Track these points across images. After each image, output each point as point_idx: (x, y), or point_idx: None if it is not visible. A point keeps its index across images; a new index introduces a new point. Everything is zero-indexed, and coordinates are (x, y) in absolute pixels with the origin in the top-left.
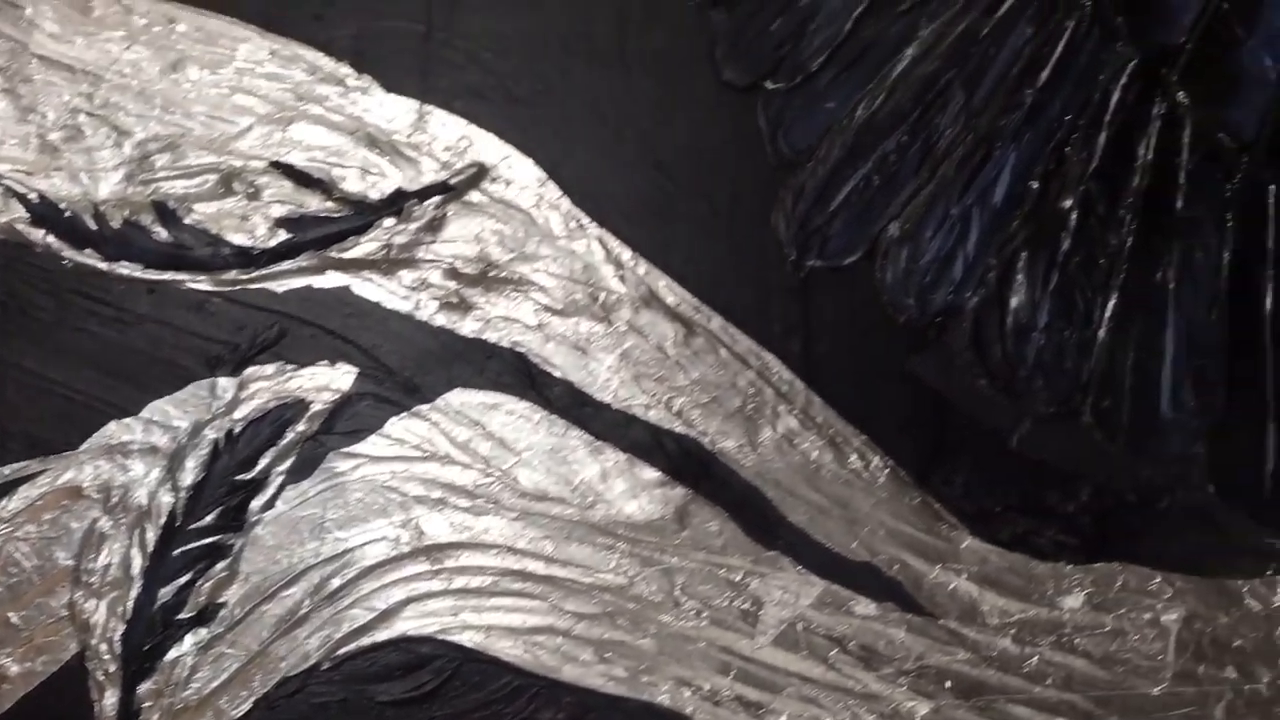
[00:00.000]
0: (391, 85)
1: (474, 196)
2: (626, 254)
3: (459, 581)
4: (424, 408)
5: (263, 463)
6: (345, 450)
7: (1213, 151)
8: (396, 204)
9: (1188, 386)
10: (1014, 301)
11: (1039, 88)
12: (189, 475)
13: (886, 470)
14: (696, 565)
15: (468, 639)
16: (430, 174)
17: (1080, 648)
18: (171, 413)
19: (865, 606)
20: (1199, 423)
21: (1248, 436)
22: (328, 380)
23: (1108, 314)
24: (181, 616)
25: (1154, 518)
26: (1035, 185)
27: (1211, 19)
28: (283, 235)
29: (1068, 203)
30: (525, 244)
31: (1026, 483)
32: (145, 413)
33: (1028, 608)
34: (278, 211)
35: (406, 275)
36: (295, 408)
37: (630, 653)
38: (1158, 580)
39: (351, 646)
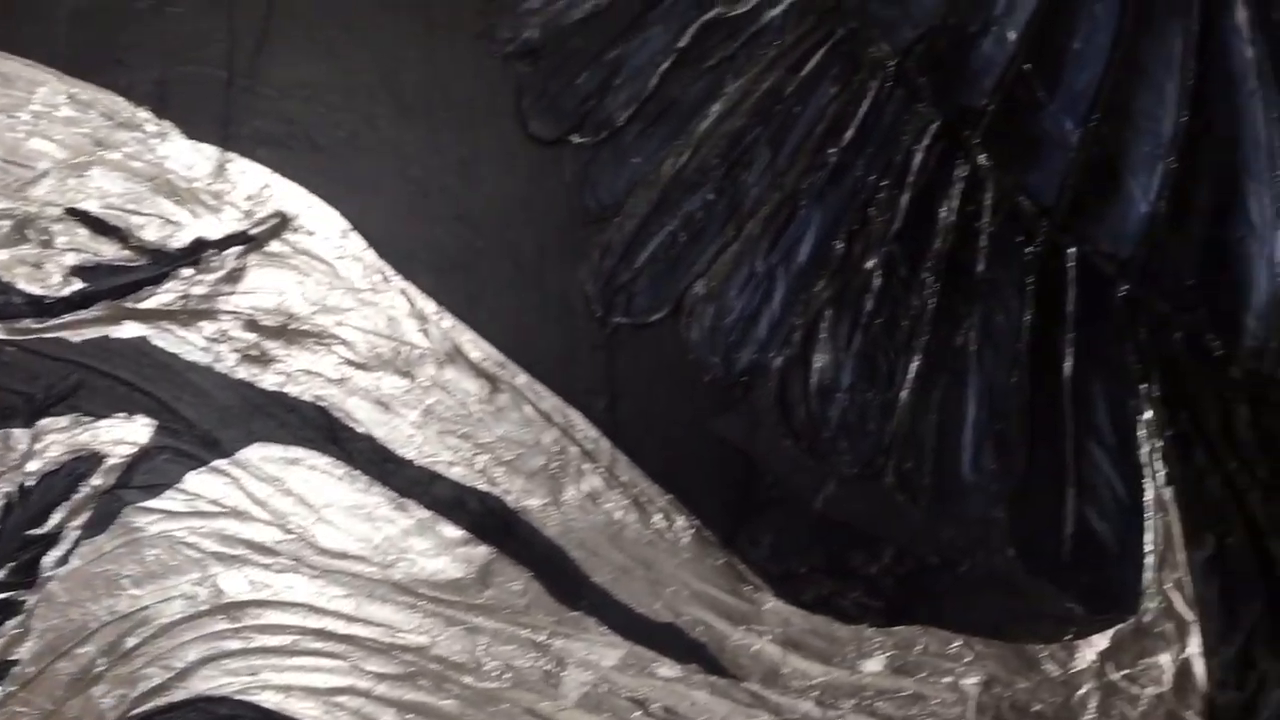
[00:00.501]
0: (192, 132)
1: (275, 247)
2: (431, 308)
3: (258, 640)
4: (223, 462)
5: (56, 517)
6: (142, 505)
7: (1014, 214)
8: (195, 254)
9: (988, 449)
10: (818, 362)
11: (843, 147)
12: None
13: (691, 530)
14: (500, 625)
15: (267, 699)
16: (231, 223)
17: (881, 711)
18: None
19: (668, 668)
20: (999, 486)
21: (1047, 500)
22: (125, 433)
23: (910, 375)
24: None
25: (955, 581)
26: (840, 245)
27: (1013, 81)
28: (77, 284)
29: (871, 263)
30: (328, 296)
31: (831, 544)
32: None
33: (830, 670)
34: (72, 260)
35: (206, 326)
36: (90, 461)
37: (433, 714)
38: (958, 644)
39: (148, 706)
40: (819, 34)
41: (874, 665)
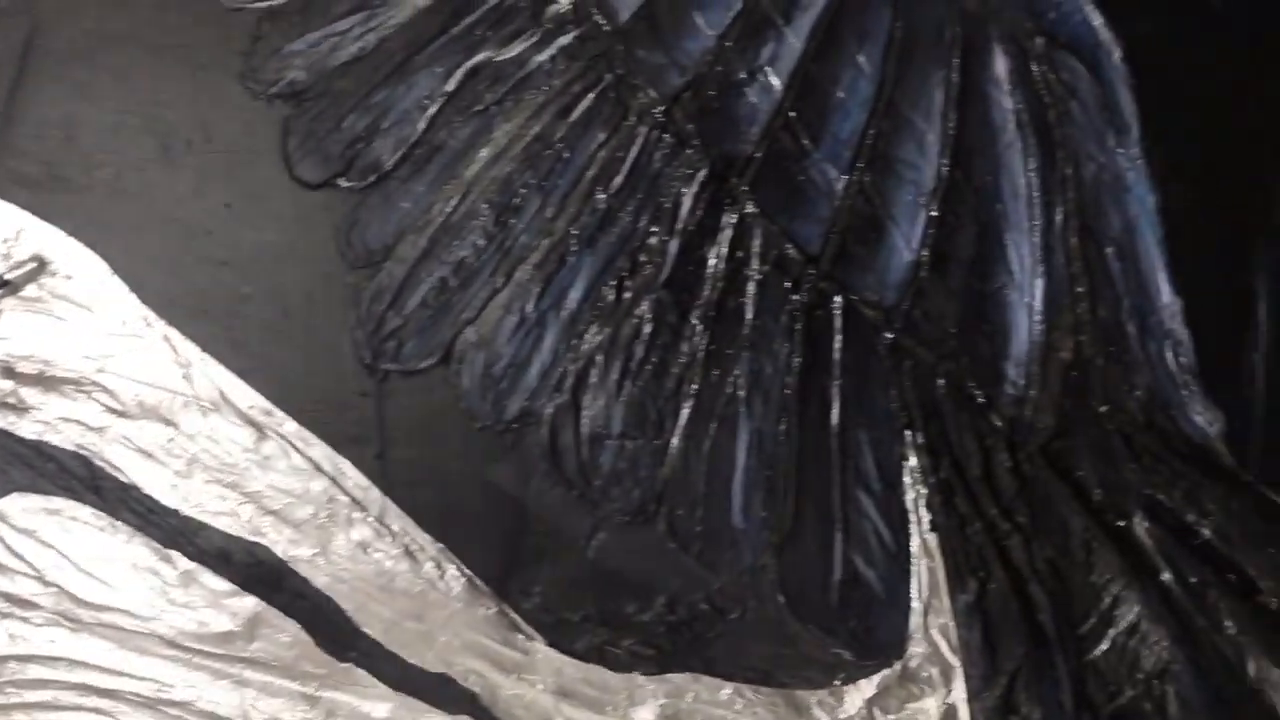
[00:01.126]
0: None
1: (32, 291)
2: (195, 354)
3: (19, 696)
4: None
5: None
6: None
7: (781, 262)
8: None
9: (758, 497)
10: (589, 409)
11: (612, 193)
12: None
13: (463, 580)
14: (268, 678)
15: None
16: None
17: None
18: None
19: (440, 719)
20: (769, 533)
21: (816, 547)
22: None
23: (681, 423)
24: None
25: (727, 628)
26: (610, 291)
27: (779, 129)
28: None
29: (641, 310)
30: (88, 342)
31: (603, 592)
32: None
33: (602, 719)
34: None
35: None
36: None
37: None
38: (729, 691)
39: None
40: (587, 80)
41: (646, 714)
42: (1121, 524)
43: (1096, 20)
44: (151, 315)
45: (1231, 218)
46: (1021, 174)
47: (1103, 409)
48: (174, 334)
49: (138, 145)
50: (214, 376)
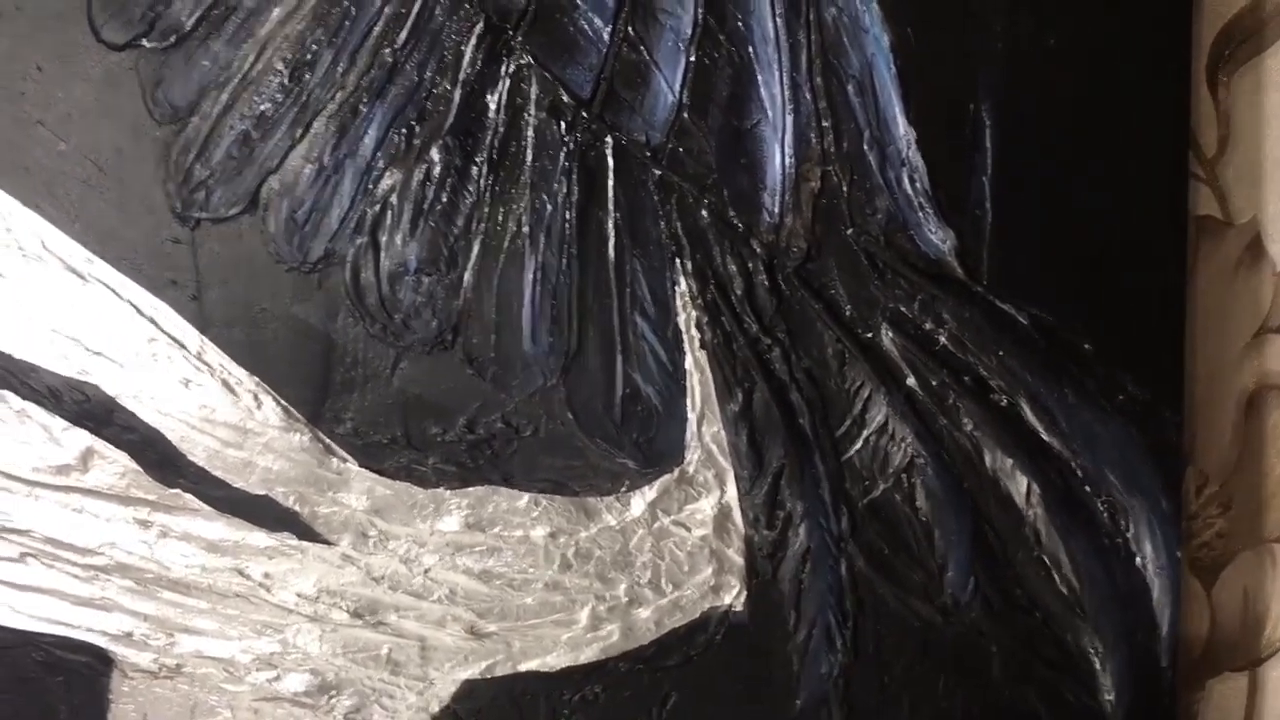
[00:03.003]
0: None
1: None
2: (15, 207)
3: None
4: None
5: None
6: None
7: (556, 107)
8: None
9: (545, 325)
10: (387, 248)
11: (398, 48)
12: None
13: (279, 410)
14: (102, 504)
15: None
16: None
17: (461, 565)
18: None
19: (264, 537)
20: (556, 358)
21: (600, 369)
22: None
23: (472, 258)
24: None
25: (522, 445)
26: (401, 139)
27: None
28: None
29: (430, 155)
30: None
31: (408, 416)
32: None
33: (413, 531)
34: None
35: None
36: None
37: (50, 593)
38: (525, 500)
39: None
40: None
41: (451, 523)
42: (870, 335)
43: None
44: None
45: (958, 51)
46: (770, 19)
47: (849, 232)
48: None
49: None
50: (35, 229)
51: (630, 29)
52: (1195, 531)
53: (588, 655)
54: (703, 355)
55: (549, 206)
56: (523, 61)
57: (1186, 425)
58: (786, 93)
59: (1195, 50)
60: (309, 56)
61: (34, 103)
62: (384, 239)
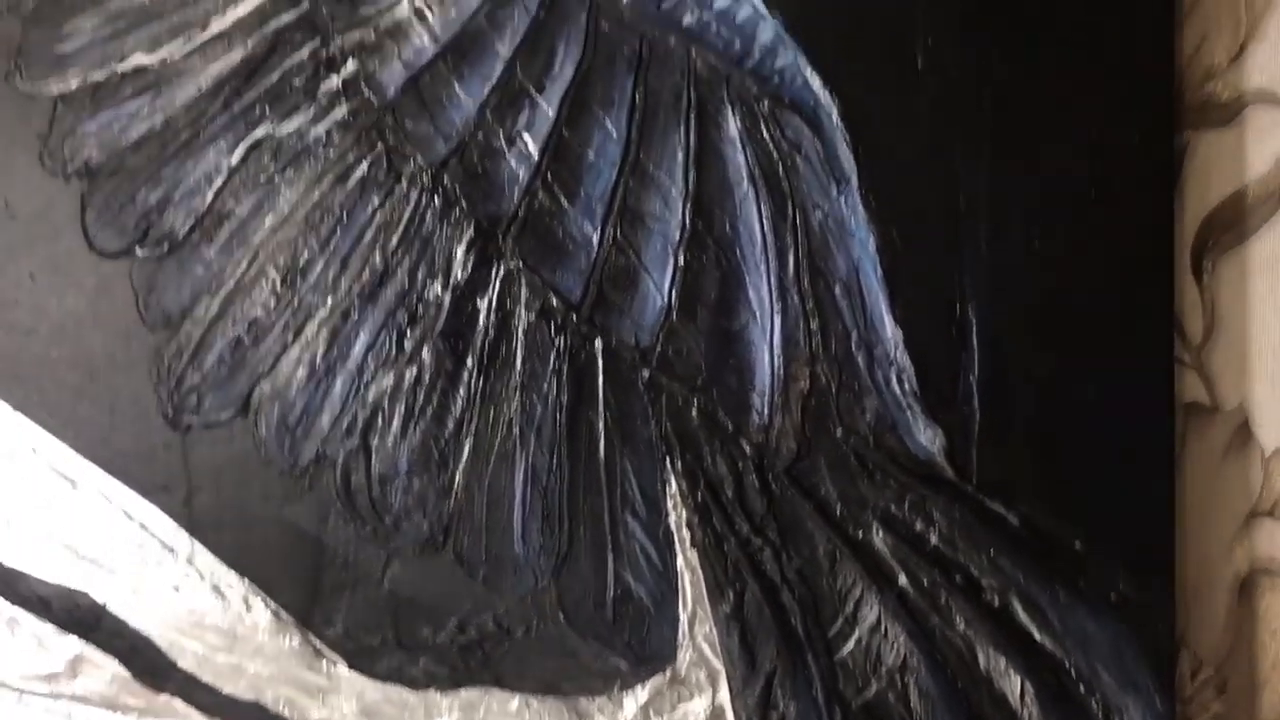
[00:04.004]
0: None
1: None
2: (7, 412)
3: None
4: None
5: None
6: None
7: (546, 310)
8: None
9: (536, 525)
10: (378, 451)
11: (389, 253)
12: None
13: (269, 613)
14: (92, 711)
15: None
16: None
17: None
18: None
19: None
20: (547, 558)
21: (591, 569)
22: None
23: (463, 460)
24: None
25: (513, 646)
26: (391, 343)
27: (538, 190)
28: None
29: (421, 359)
30: None
31: (399, 618)
32: None
33: None
34: None
35: None
36: None
37: None
38: (516, 702)
39: None
40: (361, 149)
41: None
42: (861, 535)
43: (816, 84)
44: None
45: (944, 251)
46: (757, 223)
47: (838, 432)
48: None
49: None
50: (26, 434)
51: (619, 233)
52: (1190, 716)
53: None
54: (694, 555)
55: (539, 407)
56: (513, 265)
57: (1179, 611)
58: (774, 295)
59: (1179, 239)
60: (301, 263)
61: (27, 311)
62: (375, 441)
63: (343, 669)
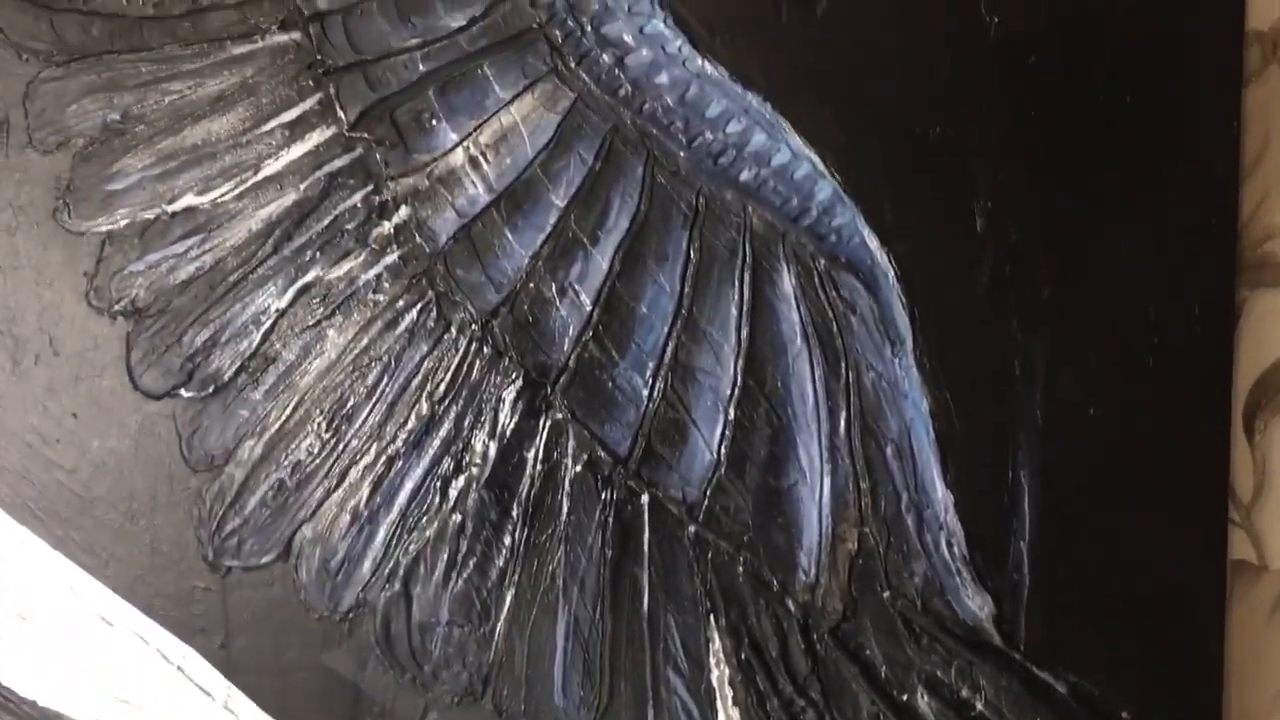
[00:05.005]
0: None
1: None
2: (45, 551)
3: None
4: None
5: None
6: None
7: (593, 462)
8: None
9: (576, 678)
10: (419, 599)
11: (436, 400)
12: None
13: None
14: None
15: None
16: None
17: None
18: None
19: None
20: (587, 712)
21: None
22: None
23: (504, 610)
24: None
25: None
26: (436, 490)
27: (588, 342)
28: None
29: (465, 507)
30: None
31: None
32: None
33: None
34: None
35: None
36: None
37: None
38: None
39: None
40: (411, 296)
41: None
42: (905, 699)
43: (873, 244)
44: (3, 515)
45: (997, 417)
46: (809, 381)
47: (885, 594)
48: (26, 534)
49: None
50: (64, 573)
51: (669, 387)
52: None
53: None
54: (736, 713)
55: (583, 560)
56: (560, 416)
57: None
58: (825, 454)
59: (1233, 399)
60: (347, 408)
61: (68, 449)
62: (416, 590)
63: None
